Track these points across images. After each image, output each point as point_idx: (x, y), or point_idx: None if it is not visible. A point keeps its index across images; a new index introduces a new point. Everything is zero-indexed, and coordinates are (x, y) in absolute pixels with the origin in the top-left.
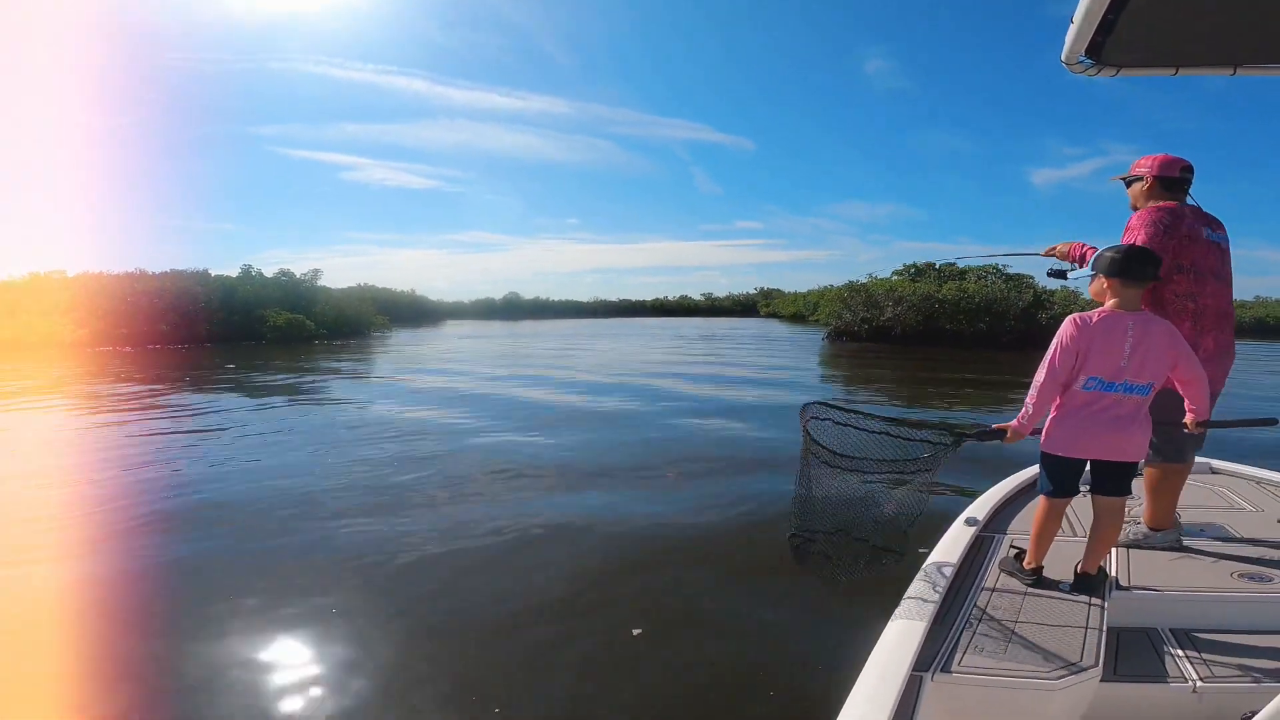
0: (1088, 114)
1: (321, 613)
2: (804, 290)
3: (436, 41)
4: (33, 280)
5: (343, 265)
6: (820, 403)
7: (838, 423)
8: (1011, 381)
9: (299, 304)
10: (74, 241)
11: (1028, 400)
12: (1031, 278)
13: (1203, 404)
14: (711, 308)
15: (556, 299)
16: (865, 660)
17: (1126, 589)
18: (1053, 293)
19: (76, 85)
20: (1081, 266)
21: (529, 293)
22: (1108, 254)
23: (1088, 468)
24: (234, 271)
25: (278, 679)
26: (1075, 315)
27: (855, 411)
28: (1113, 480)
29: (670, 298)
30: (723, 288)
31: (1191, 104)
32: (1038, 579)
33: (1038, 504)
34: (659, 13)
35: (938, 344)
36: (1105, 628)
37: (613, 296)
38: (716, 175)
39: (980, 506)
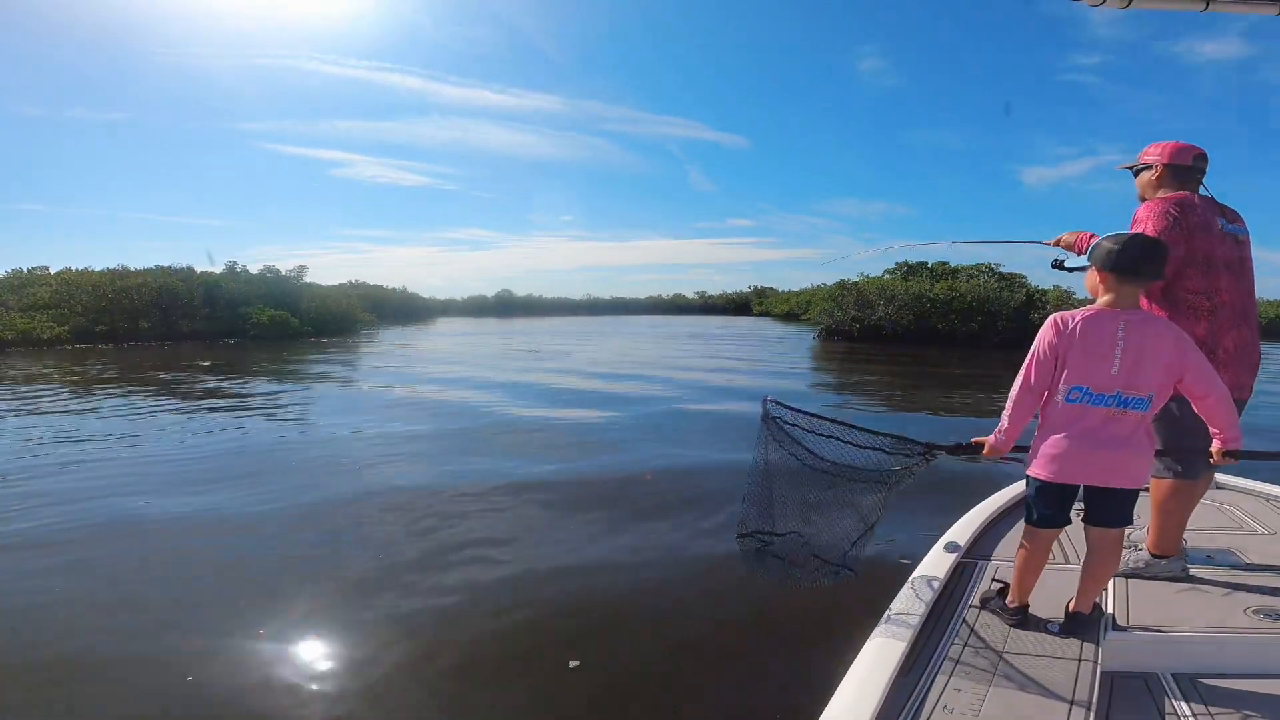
0: (1079, 113)
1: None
2: (797, 289)
3: (430, 38)
4: (14, 277)
5: (335, 262)
6: (778, 401)
7: (793, 424)
8: (1004, 382)
9: (284, 301)
10: (59, 237)
11: (1004, 414)
12: (1024, 277)
13: (1229, 427)
14: (705, 306)
15: (550, 296)
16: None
17: (1124, 629)
18: (1045, 292)
19: (60, 80)
20: (1081, 255)
21: (522, 290)
22: (1105, 244)
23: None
24: (219, 268)
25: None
26: (1055, 315)
27: (816, 416)
28: (1109, 509)
29: (664, 296)
30: (717, 285)
31: (1184, 103)
32: (1022, 618)
33: (1023, 534)
34: (653, 11)
35: (929, 344)
36: (1099, 675)
37: (606, 294)
38: (710, 173)
39: (962, 530)
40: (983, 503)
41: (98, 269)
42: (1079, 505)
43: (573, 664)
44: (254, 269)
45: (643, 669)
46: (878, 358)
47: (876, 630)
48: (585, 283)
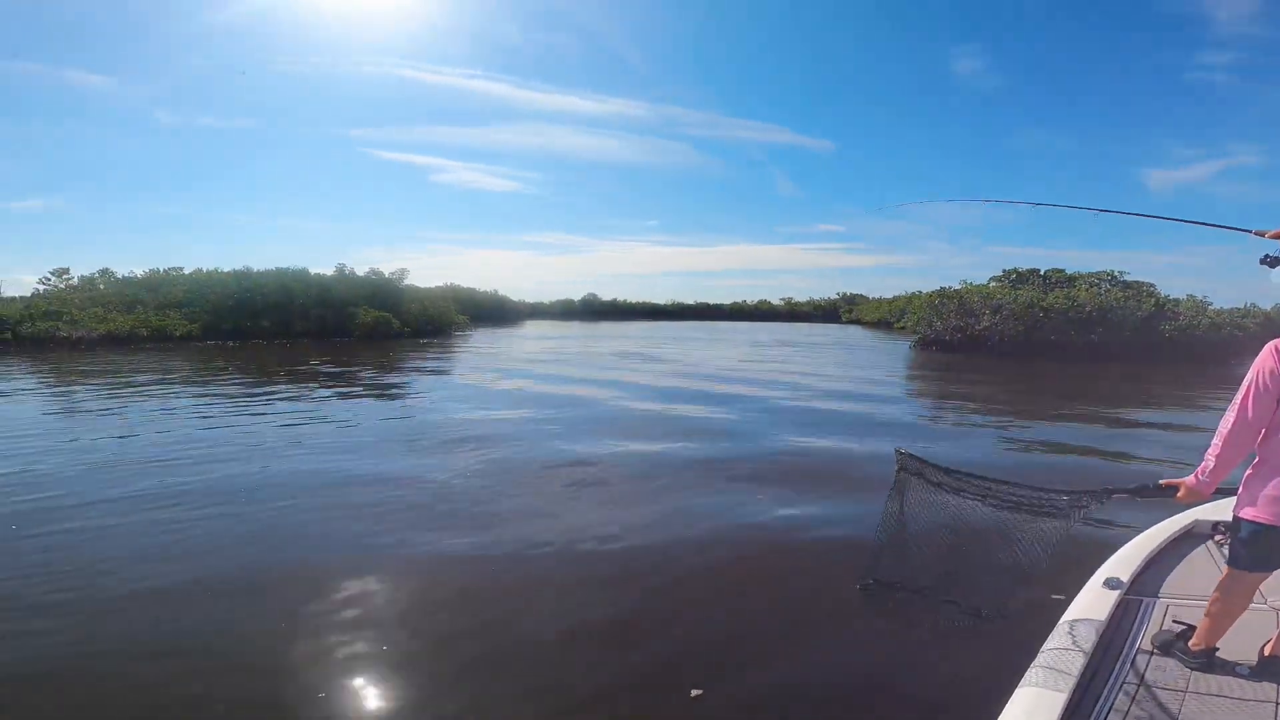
0: (1207, 112)
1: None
2: (889, 296)
3: (516, 46)
4: (151, 277)
5: (429, 264)
6: (913, 455)
7: (935, 483)
8: (1128, 398)
9: (387, 302)
10: (187, 240)
11: (1210, 452)
12: (1152, 285)
13: None
14: (791, 313)
15: (635, 300)
16: None
17: None
18: (1177, 302)
19: (190, 88)
20: None
21: (607, 294)
22: None
23: None
24: (330, 269)
25: None
26: (1277, 341)
27: (957, 472)
28: None
29: (749, 301)
30: (802, 292)
31: None
32: (1207, 662)
33: (1224, 576)
34: (734, 15)
35: (1041, 357)
36: None
37: (690, 299)
38: (796, 177)
39: (1122, 564)
40: (1145, 532)
41: (225, 270)
42: None
43: (694, 693)
44: (360, 271)
45: (764, 705)
46: (985, 371)
47: (1027, 678)
48: (669, 287)
